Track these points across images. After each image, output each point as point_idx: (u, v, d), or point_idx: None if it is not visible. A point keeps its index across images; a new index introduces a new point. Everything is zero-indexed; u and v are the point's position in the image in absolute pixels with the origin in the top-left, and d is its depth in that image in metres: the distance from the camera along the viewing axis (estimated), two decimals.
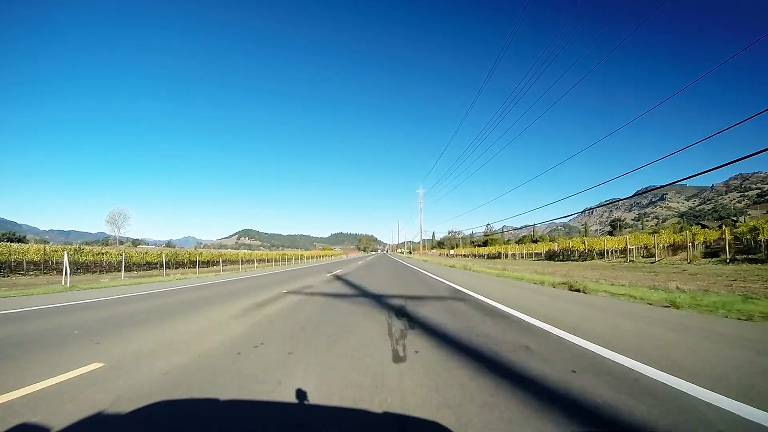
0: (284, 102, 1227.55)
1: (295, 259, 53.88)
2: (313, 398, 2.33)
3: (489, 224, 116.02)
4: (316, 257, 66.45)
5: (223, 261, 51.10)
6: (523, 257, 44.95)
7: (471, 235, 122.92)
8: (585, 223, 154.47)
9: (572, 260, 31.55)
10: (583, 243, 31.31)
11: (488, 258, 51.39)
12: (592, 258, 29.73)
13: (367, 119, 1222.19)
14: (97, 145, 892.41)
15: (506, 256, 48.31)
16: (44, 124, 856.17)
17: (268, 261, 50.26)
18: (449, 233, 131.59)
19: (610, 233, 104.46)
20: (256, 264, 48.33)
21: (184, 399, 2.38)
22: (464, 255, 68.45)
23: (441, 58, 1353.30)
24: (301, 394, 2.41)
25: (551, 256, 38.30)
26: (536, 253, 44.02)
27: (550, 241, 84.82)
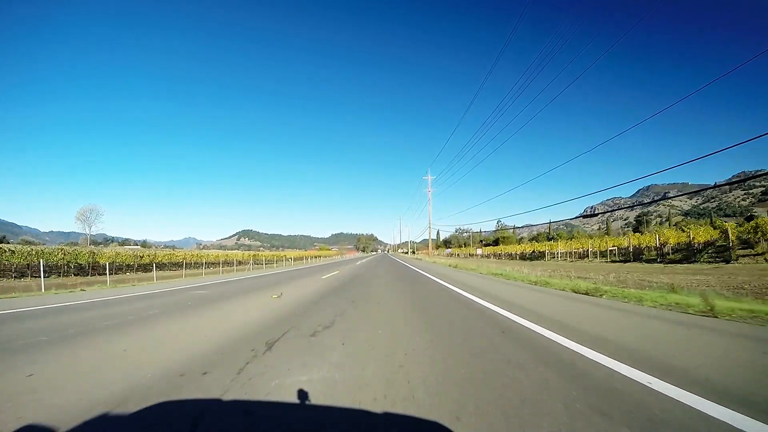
0: (284, 102, 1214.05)
1: (279, 260, 42.67)
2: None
3: (500, 220, 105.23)
4: (302, 259, 54.71)
5: (188, 263, 39.68)
6: (583, 258, 32.42)
7: (480, 232, 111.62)
8: (607, 219, 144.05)
9: (670, 261, 20.33)
10: (723, 232, 18.83)
11: (523, 259, 39.65)
12: (733, 258, 18.02)
13: (367, 118, 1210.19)
14: (97, 145, 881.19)
15: (552, 256, 36.87)
16: (44, 125, 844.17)
17: (239, 263, 38.94)
18: (457, 230, 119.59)
19: (636, 230, 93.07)
20: (221, 267, 37.08)
21: (189, 399, 2.36)
22: (485, 255, 56.56)
23: (441, 57, 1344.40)
24: (302, 393, 2.36)
25: (637, 254, 26.46)
26: (601, 253, 31.84)
27: (569, 239, 73.81)
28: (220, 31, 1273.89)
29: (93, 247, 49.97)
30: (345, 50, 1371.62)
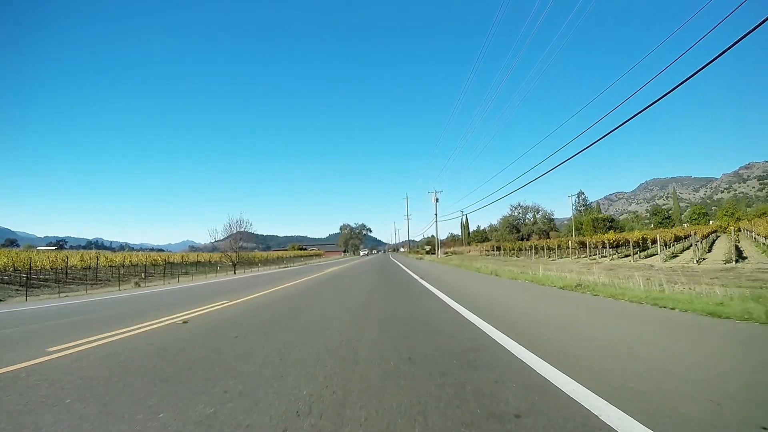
0: (280, 101, 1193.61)
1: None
2: None
3: (581, 192, 73.38)
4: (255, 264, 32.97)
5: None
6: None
7: (540, 217, 71.65)
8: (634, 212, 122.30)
9: None
10: None
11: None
12: None
13: (366, 116, 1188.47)
14: (95, 153, 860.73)
15: None
16: (42, 128, 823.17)
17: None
18: (513, 209, 72.08)
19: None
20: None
21: None
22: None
23: (436, 50, 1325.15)
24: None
25: None
26: None
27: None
28: (218, 32, 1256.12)
29: None
30: (342, 49, 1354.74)
